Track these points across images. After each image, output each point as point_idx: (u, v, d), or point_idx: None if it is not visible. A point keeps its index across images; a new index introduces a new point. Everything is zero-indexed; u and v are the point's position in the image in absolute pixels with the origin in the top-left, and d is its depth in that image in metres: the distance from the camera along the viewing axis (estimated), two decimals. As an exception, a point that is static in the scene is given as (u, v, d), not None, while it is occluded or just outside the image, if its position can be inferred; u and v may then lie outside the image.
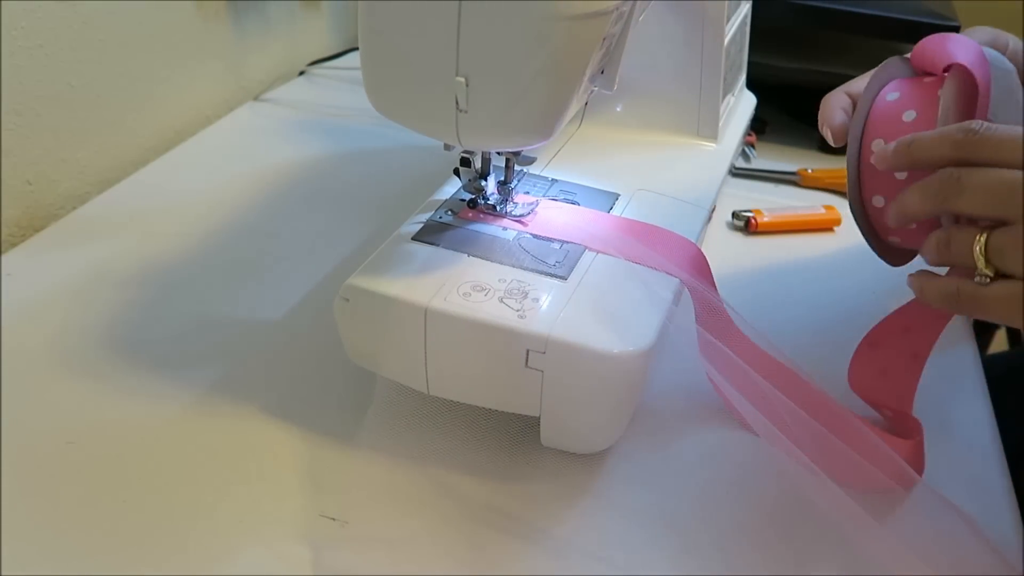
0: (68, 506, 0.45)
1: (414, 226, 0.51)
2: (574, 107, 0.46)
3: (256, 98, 0.90)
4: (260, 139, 0.83)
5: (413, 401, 0.51)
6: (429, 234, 0.51)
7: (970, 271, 0.41)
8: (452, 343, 0.46)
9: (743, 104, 0.75)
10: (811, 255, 0.70)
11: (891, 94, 0.49)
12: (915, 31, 0.79)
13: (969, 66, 0.45)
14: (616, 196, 0.57)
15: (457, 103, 0.42)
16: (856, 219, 0.50)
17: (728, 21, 0.64)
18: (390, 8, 0.42)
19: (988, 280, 0.41)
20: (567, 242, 0.51)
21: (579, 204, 0.56)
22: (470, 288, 0.46)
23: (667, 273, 0.50)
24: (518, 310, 0.45)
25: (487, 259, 0.49)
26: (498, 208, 0.53)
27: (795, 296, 0.65)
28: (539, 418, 0.47)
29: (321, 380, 0.54)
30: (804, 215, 0.74)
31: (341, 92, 0.93)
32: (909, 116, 0.47)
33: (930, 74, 0.49)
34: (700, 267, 0.52)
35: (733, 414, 0.51)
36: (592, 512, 0.47)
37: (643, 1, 0.49)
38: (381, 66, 0.44)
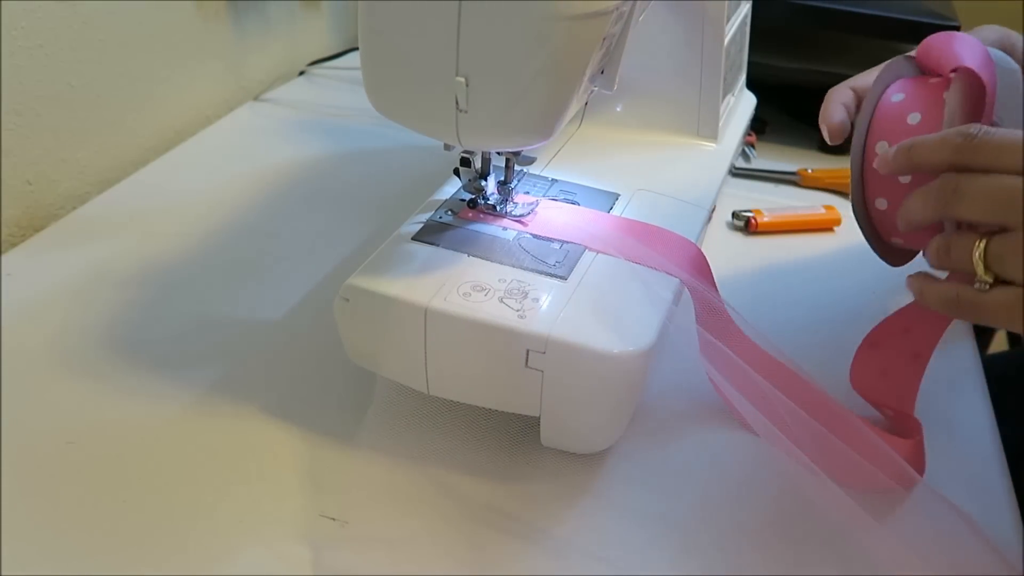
0: (68, 506, 0.45)
1: (414, 226, 0.51)
2: (574, 107, 0.46)
3: (256, 98, 0.90)
4: (260, 139, 0.83)
5: (413, 401, 0.51)
6: (429, 234, 0.51)
7: (970, 276, 0.41)
8: (452, 343, 0.46)
9: (743, 104, 0.75)
10: (811, 255, 0.70)
11: (896, 95, 0.48)
12: (915, 31, 0.79)
13: (975, 68, 0.45)
14: (616, 196, 0.57)
15: (457, 103, 0.42)
16: (858, 220, 0.50)
17: (728, 21, 0.64)
18: (390, 8, 0.42)
19: (988, 286, 0.41)
20: (567, 242, 0.51)
21: (579, 204, 0.56)
22: (470, 288, 0.46)
23: (667, 273, 0.50)
24: (518, 310, 0.45)
25: (487, 259, 0.49)
26: (498, 208, 0.53)
27: (795, 296, 0.65)
28: (539, 418, 0.47)
29: (321, 380, 0.54)
30: (804, 215, 0.73)
31: (341, 92, 0.93)
32: (914, 119, 0.47)
33: (936, 74, 0.49)
34: (700, 267, 0.52)
35: (733, 414, 0.51)
36: (592, 512, 0.47)
37: (643, 1, 0.49)
38: (381, 66, 0.44)
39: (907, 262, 0.52)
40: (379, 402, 0.51)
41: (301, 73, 0.96)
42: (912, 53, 0.51)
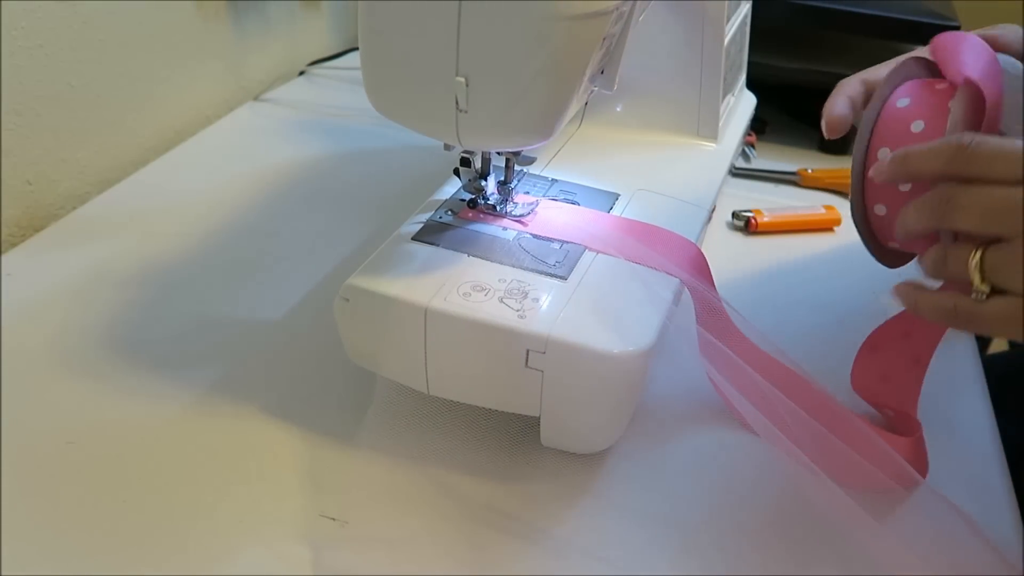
0: (68, 506, 0.45)
1: (414, 226, 0.51)
2: (574, 107, 0.46)
3: (256, 98, 0.90)
4: (260, 139, 0.83)
5: (413, 401, 0.51)
6: (429, 234, 0.51)
7: (966, 286, 0.41)
8: (452, 343, 0.46)
9: (743, 104, 0.75)
10: (811, 255, 0.70)
11: (902, 100, 0.48)
12: (915, 31, 0.79)
13: (979, 80, 0.44)
14: (616, 196, 0.57)
15: (457, 103, 0.42)
16: (856, 223, 0.49)
17: (728, 21, 0.64)
18: (390, 8, 0.42)
19: (985, 296, 0.40)
20: (567, 242, 0.51)
21: (579, 204, 0.56)
22: (470, 288, 0.46)
23: (667, 273, 0.50)
24: (518, 310, 0.45)
25: (487, 259, 0.49)
26: (498, 208, 0.53)
27: (795, 296, 0.65)
28: (539, 418, 0.47)
29: (321, 380, 0.54)
30: (804, 215, 0.73)
31: (341, 92, 0.93)
32: (917, 126, 0.46)
33: (944, 76, 0.48)
34: (700, 267, 0.52)
35: (733, 414, 0.51)
36: (592, 512, 0.47)
37: (643, 1, 0.49)
38: (381, 66, 0.44)
39: (904, 264, 0.52)
40: (379, 402, 0.51)
41: (301, 73, 0.96)
42: (925, 52, 0.50)
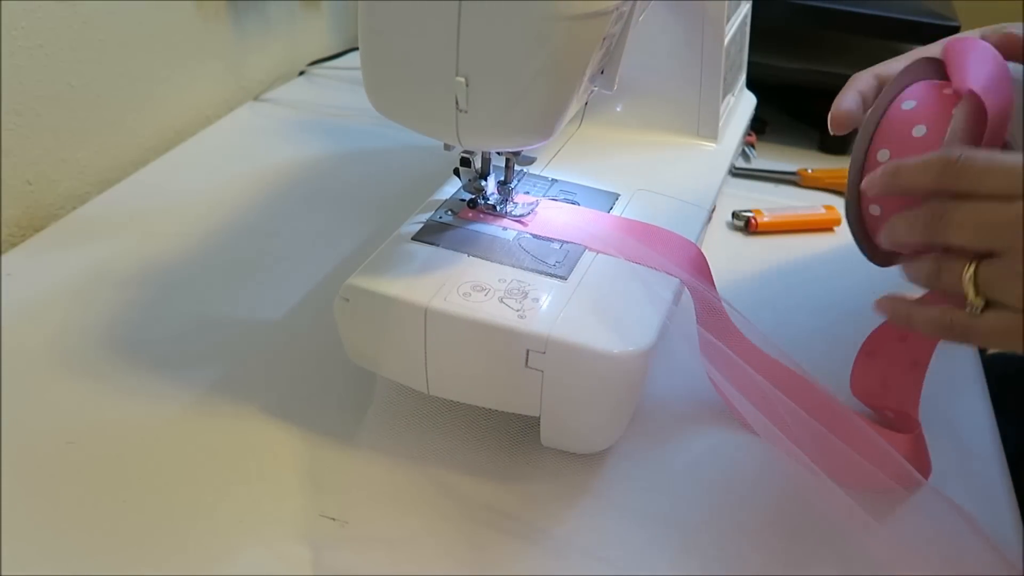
0: (68, 506, 0.45)
1: (414, 226, 0.51)
2: (574, 107, 0.46)
3: (256, 98, 0.90)
4: (260, 139, 0.83)
5: (413, 401, 0.51)
6: (429, 234, 0.51)
7: (956, 297, 0.41)
8: (452, 343, 0.46)
9: (743, 104, 0.75)
10: (811, 255, 0.70)
11: (907, 102, 0.47)
12: (915, 31, 0.79)
13: (982, 91, 0.43)
14: (616, 196, 0.57)
15: (457, 103, 0.42)
16: (849, 220, 0.49)
17: (728, 21, 0.64)
18: (390, 8, 0.42)
19: (980, 310, 0.40)
20: (567, 242, 0.51)
21: (579, 204, 0.56)
22: (470, 288, 0.46)
23: (667, 273, 0.50)
24: (518, 310, 0.45)
25: (487, 259, 0.49)
26: (498, 208, 0.53)
27: (795, 296, 0.65)
28: (539, 418, 0.47)
29: (321, 380, 0.54)
30: (804, 215, 0.74)
31: (341, 92, 0.93)
32: (919, 131, 0.46)
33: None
34: (700, 267, 0.52)
35: (733, 414, 0.51)
36: (592, 512, 0.47)
37: (643, 1, 0.49)
38: (381, 66, 0.44)
39: (895, 263, 0.51)
40: (379, 402, 0.51)
41: (301, 73, 0.96)
42: (938, 52, 0.50)
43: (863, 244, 0.50)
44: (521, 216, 0.52)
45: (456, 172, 0.53)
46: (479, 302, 0.46)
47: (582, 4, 0.40)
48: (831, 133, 0.50)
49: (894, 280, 0.46)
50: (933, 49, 0.50)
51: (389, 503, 0.46)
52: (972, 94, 0.44)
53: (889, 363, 0.51)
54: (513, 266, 0.49)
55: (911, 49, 0.51)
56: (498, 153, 0.52)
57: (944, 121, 0.45)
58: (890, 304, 0.45)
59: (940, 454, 0.50)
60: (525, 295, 0.46)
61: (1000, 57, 0.46)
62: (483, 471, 0.48)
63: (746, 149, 0.83)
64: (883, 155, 0.46)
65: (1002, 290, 0.39)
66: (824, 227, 0.73)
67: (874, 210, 0.48)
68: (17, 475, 0.46)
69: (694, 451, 0.51)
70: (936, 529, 0.46)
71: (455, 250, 0.49)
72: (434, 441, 0.50)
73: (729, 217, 0.73)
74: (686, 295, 0.50)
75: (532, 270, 0.48)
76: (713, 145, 0.66)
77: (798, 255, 0.70)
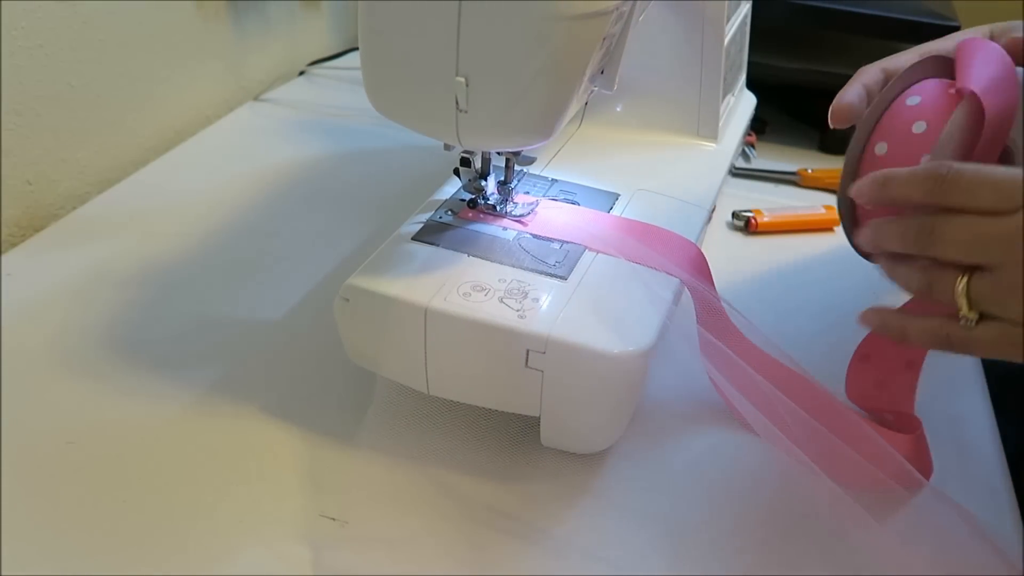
0: (68, 506, 0.45)
1: (414, 226, 0.51)
2: (574, 107, 0.46)
3: (256, 98, 0.90)
4: (260, 139, 0.83)
5: (413, 401, 0.51)
6: (429, 234, 0.51)
7: (952, 309, 0.41)
8: (452, 343, 0.46)
9: (743, 104, 0.75)
10: (811, 255, 0.70)
11: (912, 98, 0.47)
12: (915, 31, 0.78)
13: (982, 93, 0.43)
14: (616, 196, 0.57)
15: (457, 103, 0.42)
16: (840, 208, 0.49)
17: (728, 21, 0.64)
18: (390, 8, 0.42)
19: (973, 323, 0.40)
20: (567, 242, 0.51)
21: (579, 204, 0.56)
22: (470, 288, 0.46)
23: (667, 273, 0.50)
24: (518, 310, 0.45)
25: (487, 259, 0.49)
26: (498, 208, 0.53)
27: (795, 296, 0.65)
28: (539, 418, 0.47)
29: (321, 380, 0.54)
30: (804, 215, 0.74)
31: (341, 92, 0.93)
32: (919, 127, 0.46)
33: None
34: (700, 267, 0.52)
35: (733, 414, 0.51)
36: (592, 512, 0.47)
37: (643, 1, 0.49)
38: (381, 66, 0.44)
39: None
40: (379, 402, 0.51)
41: (301, 73, 0.96)
42: (948, 48, 0.49)
43: (852, 232, 0.50)
44: (521, 216, 0.52)
45: (456, 172, 0.53)
46: (479, 302, 0.46)
47: (582, 4, 0.40)
48: (831, 127, 0.50)
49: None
50: (943, 45, 0.50)
51: (389, 503, 0.46)
52: (972, 95, 0.43)
53: (884, 365, 0.51)
54: (513, 266, 0.49)
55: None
56: (498, 153, 0.52)
57: (945, 120, 0.45)
58: (878, 317, 0.45)
59: (940, 454, 0.50)
60: (525, 295, 0.46)
61: (1008, 60, 0.46)
62: (483, 471, 0.48)
63: (746, 149, 0.83)
64: (880, 148, 0.46)
65: (995, 303, 0.39)
66: (824, 227, 0.73)
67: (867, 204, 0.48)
68: (17, 475, 0.46)
69: (694, 451, 0.51)
70: (936, 529, 0.46)
71: (455, 250, 0.49)
72: (434, 441, 0.50)
73: (729, 217, 0.73)
74: (686, 295, 0.50)
75: (532, 270, 0.48)
76: (713, 145, 0.66)
77: (798, 255, 0.70)
